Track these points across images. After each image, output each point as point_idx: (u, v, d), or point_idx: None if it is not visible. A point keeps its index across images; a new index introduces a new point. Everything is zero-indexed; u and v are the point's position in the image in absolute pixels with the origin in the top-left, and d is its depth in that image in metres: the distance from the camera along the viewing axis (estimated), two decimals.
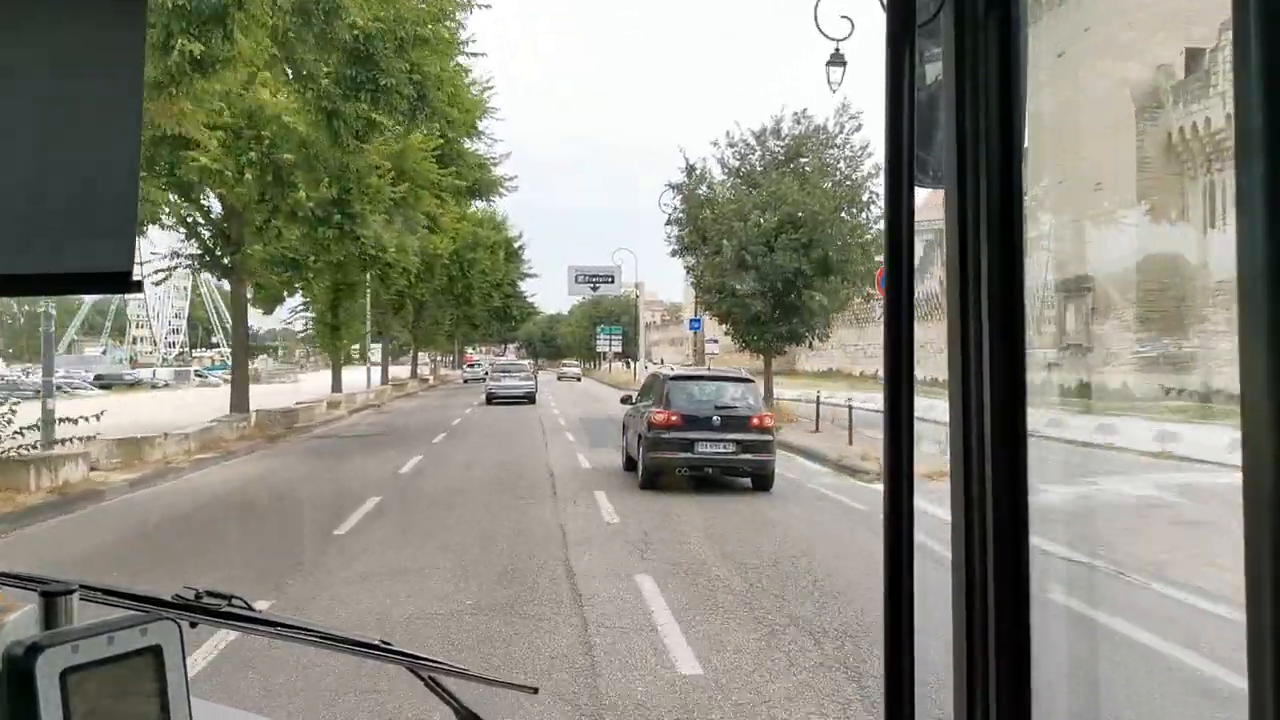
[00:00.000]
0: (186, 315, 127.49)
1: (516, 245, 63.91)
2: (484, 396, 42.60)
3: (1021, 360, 0.83)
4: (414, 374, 61.23)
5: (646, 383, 18.64)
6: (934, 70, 0.86)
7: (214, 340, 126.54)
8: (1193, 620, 7.21)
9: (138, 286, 1.06)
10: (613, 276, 58.59)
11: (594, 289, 58.62)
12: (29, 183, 0.99)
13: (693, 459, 14.69)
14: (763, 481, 14.82)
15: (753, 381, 16.93)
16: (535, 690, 1.70)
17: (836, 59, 19.82)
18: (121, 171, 1.00)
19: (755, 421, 14.85)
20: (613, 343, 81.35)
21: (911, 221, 0.82)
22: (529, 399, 41.64)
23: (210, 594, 1.39)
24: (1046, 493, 8.96)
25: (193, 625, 1.28)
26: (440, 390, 58.26)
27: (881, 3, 0.82)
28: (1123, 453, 17.13)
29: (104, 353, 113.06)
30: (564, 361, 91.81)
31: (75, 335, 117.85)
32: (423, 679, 1.37)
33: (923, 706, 0.85)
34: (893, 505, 0.83)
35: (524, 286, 78.01)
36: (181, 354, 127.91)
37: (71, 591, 1.13)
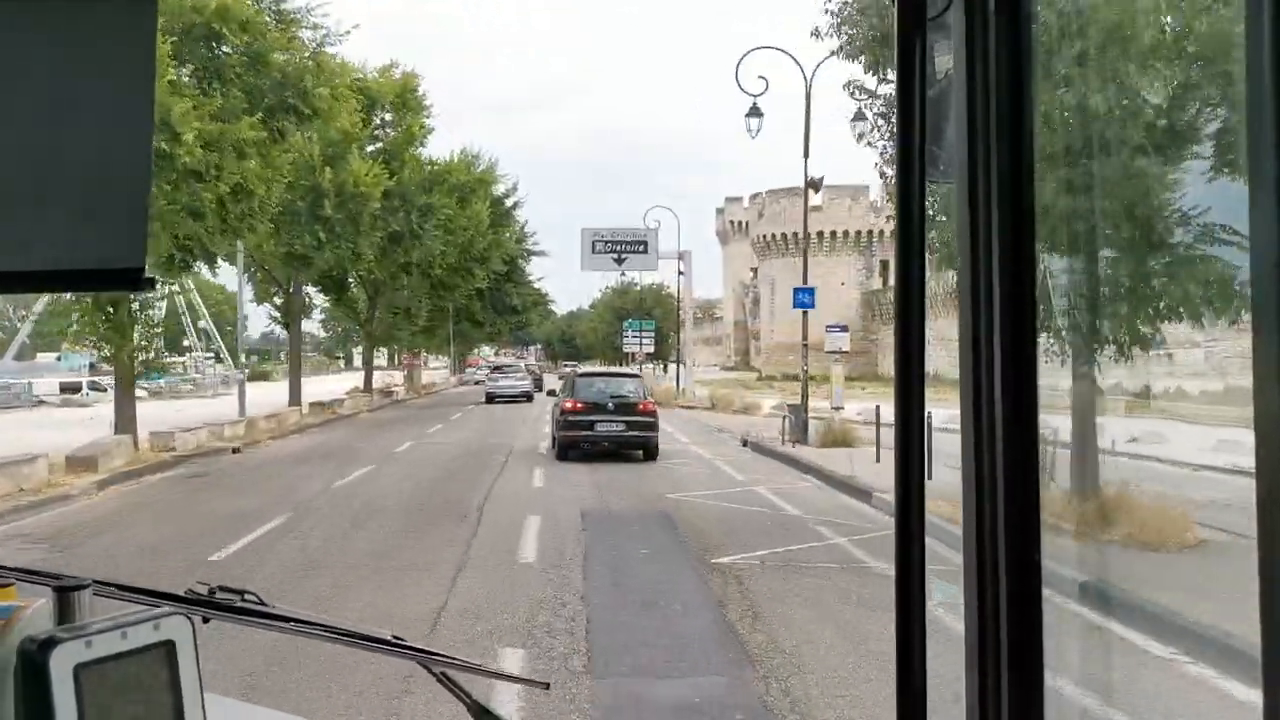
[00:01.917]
0: (163, 316, 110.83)
1: (509, 202, 45.54)
2: (452, 420, 31.44)
3: (1033, 354, 0.82)
4: (367, 385, 42.96)
5: (564, 379, 23.83)
6: (944, 64, 0.85)
7: (185, 344, 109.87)
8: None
9: (150, 284, 1.01)
10: (644, 243, 40.10)
11: (619, 260, 40.15)
12: (41, 180, 0.96)
13: (592, 435, 18.66)
14: (649, 452, 19.07)
15: (641, 376, 23.10)
16: (547, 686, 1.57)
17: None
18: (133, 169, 0.98)
19: (641, 407, 19.17)
20: (643, 341, 63.06)
21: (923, 215, 0.82)
22: (526, 398, 41.23)
23: (223, 589, 1.40)
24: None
25: (205, 620, 1.28)
26: (403, 409, 39.95)
27: None
28: None
29: (59, 359, 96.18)
30: (564, 363, 72.46)
31: (26, 339, 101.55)
32: (435, 674, 1.36)
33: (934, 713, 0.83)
34: (903, 505, 0.83)
35: (531, 271, 60.07)
36: (155, 359, 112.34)
37: (85, 587, 1.15)
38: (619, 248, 39.79)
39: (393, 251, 33.64)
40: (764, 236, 66.66)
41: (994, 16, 0.81)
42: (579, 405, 18.86)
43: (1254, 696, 0.60)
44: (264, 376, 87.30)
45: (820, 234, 62.86)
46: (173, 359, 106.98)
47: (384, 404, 41.28)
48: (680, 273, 42.89)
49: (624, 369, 28.78)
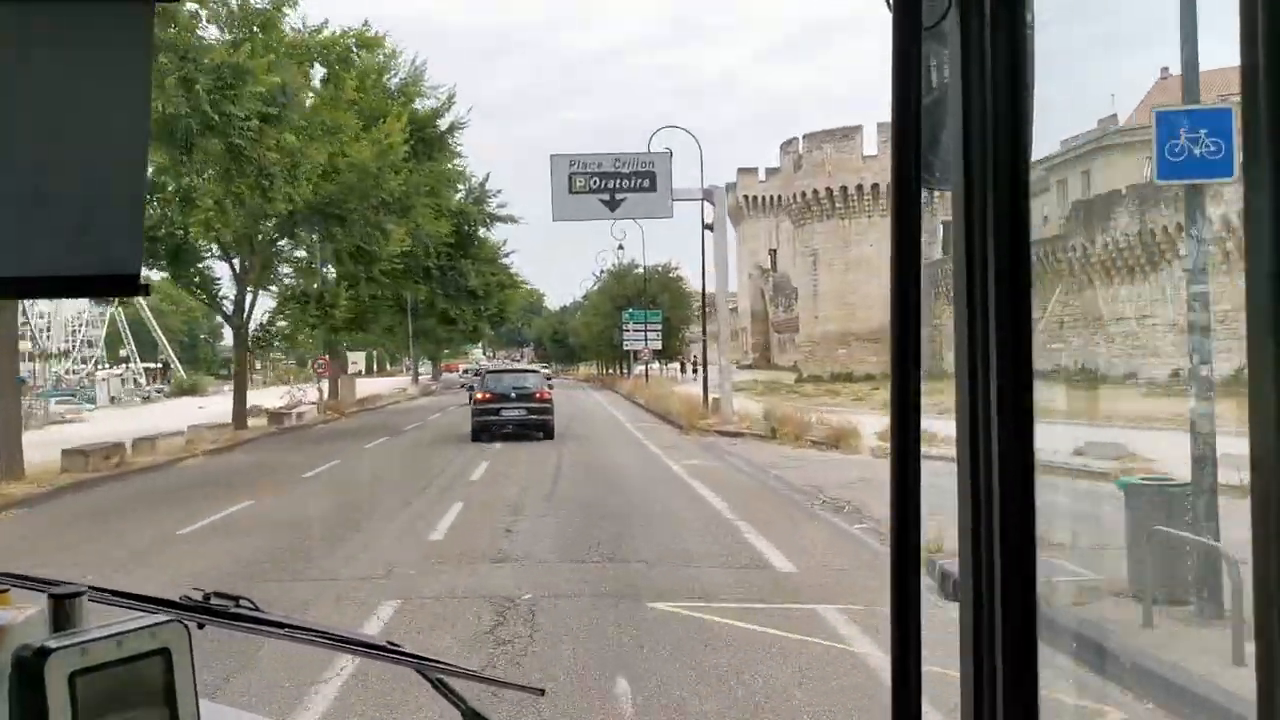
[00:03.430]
0: (105, 328, 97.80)
1: (442, 124, 30.67)
2: (303, 478, 17.96)
3: (1028, 357, 0.82)
4: (239, 409, 28.07)
5: (482, 376, 27.09)
6: (941, 73, 0.85)
7: (122, 354, 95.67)
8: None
9: (145, 289, 0.99)
10: (651, 175, 25.16)
11: (611, 203, 25.16)
12: (36, 185, 0.94)
13: (500, 420, 22.12)
14: (547, 433, 22.21)
15: (538, 371, 27.40)
16: (542, 692, 1.59)
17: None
18: (129, 174, 0.96)
19: (539, 395, 22.62)
20: (648, 335, 48.45)
21: (919, 222, 0.83)
22: None
23: (219, 595, 1.37)
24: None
25: (200, 627, 1.26)
26: (277, 446, 25.26)
27: (889, 5, 0.81)
28: None
29: None
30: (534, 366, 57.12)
31: None
32: (430, 680, 1.33)
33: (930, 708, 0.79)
34: (899, 504, 0.82)
35: (500, 245, 45.46)
36: (92, 373, 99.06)
37: (81, 594, 1.13)
38: (612, 184, 24.91)
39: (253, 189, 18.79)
40: (802, 195, 51.60)
41: (990, 27, 0.80)
42: (488, 396, 22.79)
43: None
44: (192, 390, 72.93)
45: (875, 188, 47.90)
46: (108, 371, 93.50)
47: (258, 436, 26.45)
48: (707, 226, 27.93)
49: (525, 365, 34.22)
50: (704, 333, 31.48)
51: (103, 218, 0.95)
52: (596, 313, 62.39)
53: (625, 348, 50.98)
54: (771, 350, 77.90)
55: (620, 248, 47.14)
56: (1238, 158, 6.67)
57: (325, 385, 38.46)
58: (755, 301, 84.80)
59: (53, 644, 0.94)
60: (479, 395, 23.16)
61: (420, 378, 74.03)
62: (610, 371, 68.65)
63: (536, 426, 22.16)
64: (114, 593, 1.37)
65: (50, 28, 0.93)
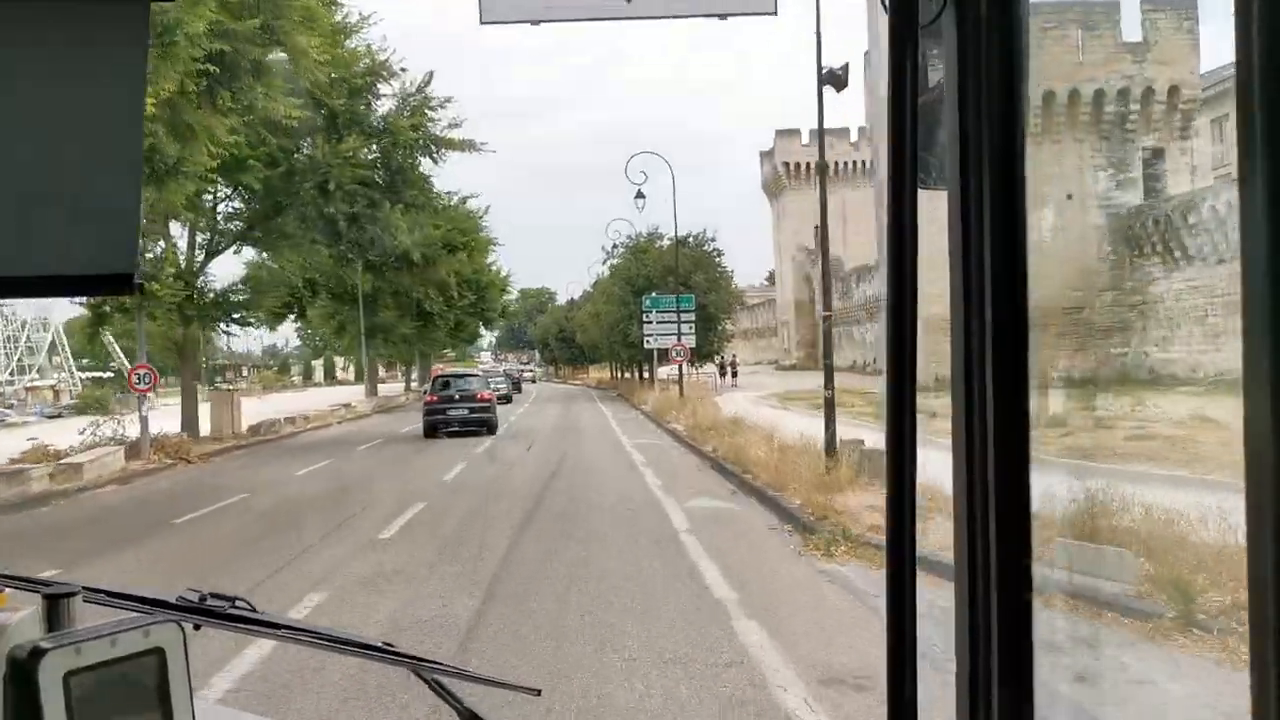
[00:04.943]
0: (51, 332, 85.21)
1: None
2: None
3: (1025, 361, 0.81)
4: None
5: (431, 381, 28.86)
6: (936, 72, 0.84)
7: (56, 360, 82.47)
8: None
9: (140, 289, 0.91)
10: None
11: None
12: (30, 184, 0.93)
13: (446, 419, 24.67)
14: (490, 430, 24.73)
15: (480, 375, 29.96)
16: (538, 692, 1.56)
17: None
18: (123, 173, 0.95)
19: (481, 396, 25.37)
20: (681, 327, 33.99)
21: (914, 222, 0.82)
22: (504, 400, 39.76)
23: (214, 596, 1.36)
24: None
25: (196, 627, 1.26)
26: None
27: (884, 4, 0.80)
28: None
29: None
30: (475, 371, 42.13)
31: None
32: (426, 681, 1.33)
33: (925, 705, 0.81)
34: (895, 505, 0.82)
35: (480, 209, 31.08)
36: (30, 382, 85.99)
37: (75, 593, 1.12)
38: None
39: None
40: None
41: (986, 24, 0.79)
42: (436, 398, 25.31)
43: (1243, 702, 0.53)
44: (97, 406, 58.70)
45: None
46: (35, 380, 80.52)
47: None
48: (829, 77, 13.02)
49: (469, 370, 35.96)
50: (826, 302, 16.49)
51: (97, 217, 0.92)
52: (608, 300, 47.42)
53: (648, 345, 36.33)
54: (820, 347, 63.25)
55: (640, 196, 32.22)
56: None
57: (173, 408, 23.87)
58: (800, 290, 69.99)
59: (47, 644, 0.91)
60: (428, 397, 26.04)
61: (398, 387, 59.92)
62: (625, 376, 53.74)
63: (479, 424, 24.74)
64: (108, 593, 1.35)
65: (44, 27, 0.90)
